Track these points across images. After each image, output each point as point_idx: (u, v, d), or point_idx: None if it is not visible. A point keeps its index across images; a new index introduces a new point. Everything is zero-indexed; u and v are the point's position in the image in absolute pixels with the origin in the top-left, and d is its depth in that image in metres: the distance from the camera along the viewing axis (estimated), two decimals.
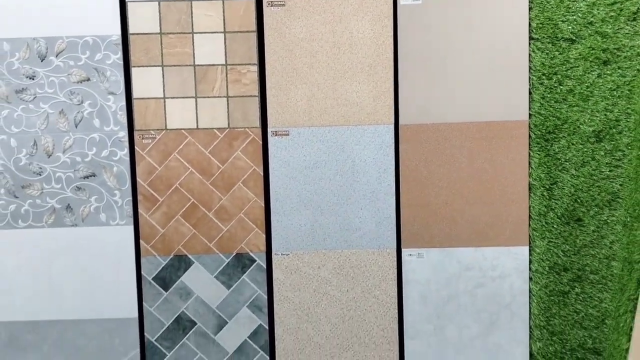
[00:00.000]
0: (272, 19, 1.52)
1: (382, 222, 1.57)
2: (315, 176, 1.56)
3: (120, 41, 1.52)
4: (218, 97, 1.54)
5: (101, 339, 1.59)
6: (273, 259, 1.58)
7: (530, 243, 1.55)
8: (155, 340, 1.60)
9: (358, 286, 1.58)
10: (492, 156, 1.54)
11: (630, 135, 1.50)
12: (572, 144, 1.51)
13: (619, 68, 1.48)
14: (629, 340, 1.53)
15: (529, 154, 1.53)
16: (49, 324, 1.60)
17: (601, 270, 1.54)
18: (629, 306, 1.55)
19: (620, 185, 1.51)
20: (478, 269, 1.56)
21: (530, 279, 1.56)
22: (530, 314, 1.57)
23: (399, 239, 1.57)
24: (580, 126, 1.50)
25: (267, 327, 1.60)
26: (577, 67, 1.49)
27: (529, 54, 1.50)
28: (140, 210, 1.57)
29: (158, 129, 1.55)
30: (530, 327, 1.58)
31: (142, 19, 1.52)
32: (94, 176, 1.56)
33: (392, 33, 1.52)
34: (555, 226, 1.53)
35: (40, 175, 1.56)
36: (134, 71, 1.53)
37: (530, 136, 1.52)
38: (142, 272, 1.58)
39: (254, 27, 1.52)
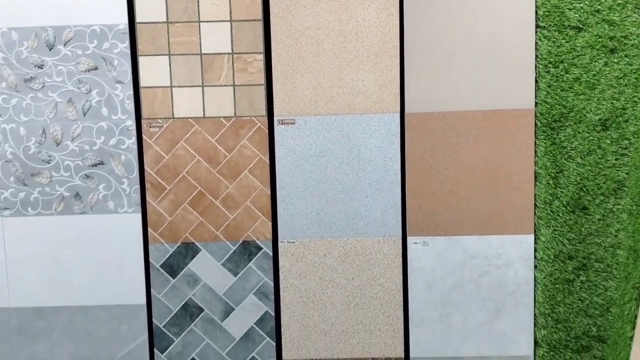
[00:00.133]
0: (278, 8, 1.52)
1: (388, 210, 1.57)
2: (321, 164, 1.57)
3: (127, 30, 1.53)
4: (224, 85, 1.55)
5: (110, 325, 1.61)
6: (279, 247, 1.59)
7: (535, 231, 1.56)
8: (163, 327, 1.62)
9: (363, 274, 1.59)
10: (498, 144, 1.54)
11: (637, 123, 1.49)
12: (578, 133, 1.51)
13: (626, 56, 1.48)
14: (633, 328, 1.54)
15: (535, 142, 1.53)
16: (59, 310, 1.62)
17: (606, 258, 1.54)
18: (633, 294, 1.56)
19: (626, 173, 1.51)
20: (483, 257, 1.57)
21: (535, 267, 1.57)
22: (535, 302, 1.58)
23: (405, 227, 1.58)
24: (587, 114, 1.50)
25: (273, 314, 1.61)
26: (584, 55, 1.48)
27: (536, 42, 1.50)
28: (147, 198, 1.58)
29: (165, 118, 1.56)
30: (535, 315, 1.58)
31: (149, 7, 1.52)
32: (102, 164, 1.57)
33: (398, 21, 1.52)
34: (560, 214, 1.54)
35: (49, 163, 1.57)
36: (141, 60, 1.54)
37: (536, 124, 1.52)
38: (150, 259, 1.60)
39: (260, 15, 1.53)
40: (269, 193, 1.58)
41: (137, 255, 1.60)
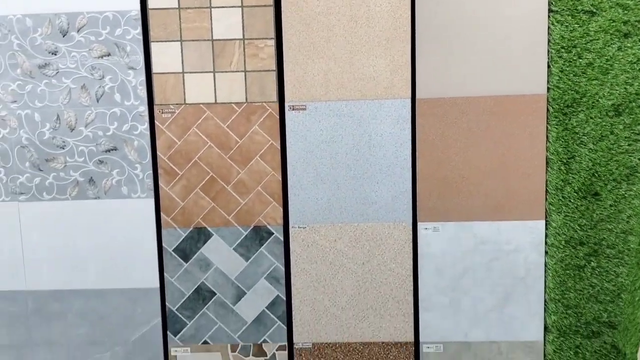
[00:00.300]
0: None
1: (398, 196, 1.58)
2: (332, 150, 1.57)
3: (139, 16, 1.54)
4: (236, 71, 1.55)
5: (124, 308, 1.64)
6: (290, 232, 1.61)
7: (546, 217, 1.56)
8: (176, 310, 1.64)
9: (374, 259, 1.60)
10: (509, 130, 1.53)
11: None
12: (591, 118, 1.50)
13: (639, 41, 1.47)
14: None
15: (547, 127, 1.52)
16: (73, 293, 1.65)
17: (618, 244, 1.54)
18: None
19: (639, 159, 1.50)
20: (493, 242, 1.57)
21: (546, 252, 1.57)
22: (545, 288, 1.58)
23: (415, 213, 1.58)
24: (599, 100, 1.49)
25: (284, 298, 1.63)
26: (597, 40, 1.47)
27: (548, 27, 1.49)
28: (160, 184, 1.60)
29: (177, 104, 1.57)
30: (545, 301, 1.59)
31: None
32: (116, 150, 1.59)
33: (409, 6, 1.51)
34: (572, 200, 1.53)
35: (64, 149, 1.59)
36: (153, 46, 1.55)
37: (548, 110, 1.52)
38: (163, 244, 1.62)
39: (271, 1, 1.53)
40: (280, 179, 1.59)
41: (150, 240, 1.62)
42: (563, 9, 1.47)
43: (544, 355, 1.60)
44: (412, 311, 1.61)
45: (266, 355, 1.65)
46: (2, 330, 1.67)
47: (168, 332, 1.65)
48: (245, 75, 1.56)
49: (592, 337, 1.58)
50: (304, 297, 1.63)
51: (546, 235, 1.56)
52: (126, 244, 1.62)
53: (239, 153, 1.58)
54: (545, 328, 1.60)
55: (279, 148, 1.58)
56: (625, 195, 1.52)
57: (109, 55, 1.55)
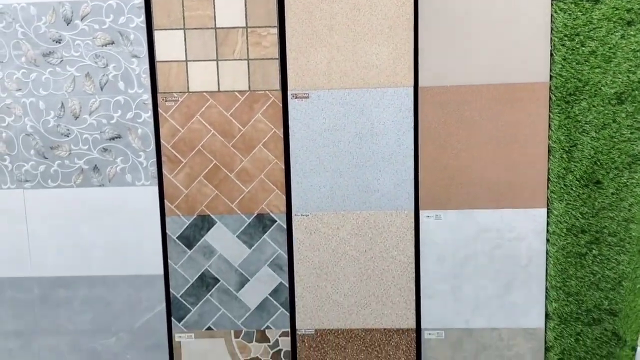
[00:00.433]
0: None
1: (401, 184, 1.59)
2: (335, 138, 1.58)
3: (142, 4, 1.54)
4: (239, 59, 1.56)
5: (129, 295, 1.66)
6: (293, 220, 1.62)
7: (548, 205, 1.56)
8: (180, 296, 1.66)
9: (376, 246, 1.61)
10: (512, 118, 1.54)
11: None
12: (593, 106, 1.50)
13: None
14: None
15: (549, 116, 1.53)
16: (79, 280, 1.66)
17: (619, 232, 1.54)
18: None
19: None
20: (495, 230, 1.58)
21: (548, 240, 1.58)
22: (546, 275, 1.59)
23: (417, 201, 1.59)
24: (602, 88, 1.49)
25: (287, 285, 1.64)
26: (600, 28, 1.47)
27: (551, 15, 1.49)
28: (164, 171, 1.61)
29: (180, 92, 1.58)
30: (546, 288, 1.60)
31: None
32: (120, 138, 1.60)
33: None
34: (574, 188, 1.54)
35: (68, 136, 1.60)
36: (157, 34, 1.56)
37: (550, 98, 1.52)
38: (167, 231, 1.63)
39: None
40: (283, 167, 1.60)
41: (154, 227, 1.63)
42: None
43: (545, 342, 1.61)
44: (414, 298, 1.63)
45: (269, 341, 1.66)
46: (8, 316, 1.69)
47: (172, 319, 1.67)
48: (248, 64, 1.56)
49: (592, 324, 1.59)
50: (306, 284, 1.64)
51: (548, 223, 1.57)
52: (130, 231, 1.63)
53: (242, 141, 1.59)
54: (546, 315, 1.61)
55: (282, 136, 1.59)
56: (627, 183, 1.52)
57: (112, 43, 1.56)
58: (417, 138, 1.57)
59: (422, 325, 1.63)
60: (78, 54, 1.57)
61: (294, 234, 1.62)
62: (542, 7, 1.49)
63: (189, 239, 1.63)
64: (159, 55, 1.57)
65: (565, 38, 1.48)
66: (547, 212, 1.56)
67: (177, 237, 1.64)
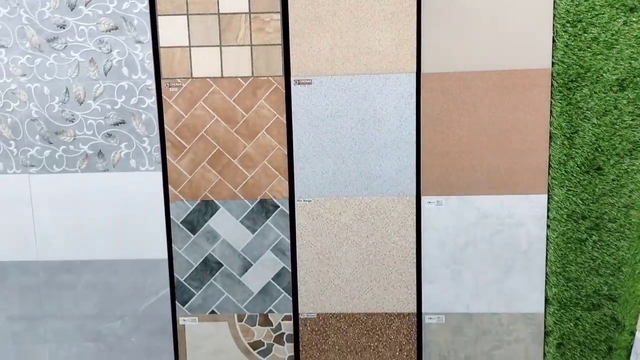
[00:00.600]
0: None
1: (403, 170, 1.60)
2: (337, 124, 1.59)
3: None
4: (242, 45, 1.56)
5: (133, 279, 1.68)
6: (296, 205, 1.63)
7: (549, 191, 1.57)
8: (184, 281, 1.68)
9: (378, 232, 1.63)
10: (514, 104, 1.54)
11: None
12: (595, 93, 1.51)
13: None
14: None
15: (551, 102, 1.53)
16: (84, 264, 1.68)
17: (619, 218, 1.56)
18: None
19: None
20: (496, 216, 1.59)
21: (548, 226, 1.59)
22: (546, 261, 1.60)
23: (419, 187, 1.60)
24: (604, 74, 1.50)
25: (290, 270, 1.66)
26: (603, 14, 1.47)
27: (554, 1, 1.49)
28: (168, 157, 1.63)
29: (184, 78, 1.59)
30: (546, 273, 1.61)
31: None
32: (124, 123, 1.61)
33: None
34: (574, 175, 1.55)
35: (73, 122, 1.62)
36: (160, 20, 1.56)
37: (552, 84, 1.52)
38: (171, 216, 1.65)
39: None
40: (286, 152, 1.61)
41: (158, 212, 1.65)
42: None
43: (545, 327, 1.63)
44: (415, 283, 1.64)
45: (272, 325, 1.68)
46: (14, 300, 1.71)
47: (176, 302, 1.69)
48: (251, 50, 1.57)
49: (592, 309, 1.61)
50: (309, 269, 1.66)
51: (548, 209, 1.58)
52: (135, 216, 1.65)
53: (245, 127, 1.60)
54: (546, 300, 1.62)
55: (285, 122, 1.60)
56: (628, 169, 1.53)
57: (116, 29, 1.57)
58: (419, 124, 1.58)
59: (423, 310, 1.65)
60: (82, 40, 1.58)
61: (297, 219, 1.64)
62: None
63: (193, 223, 1.65)
64: (162, 41, 1.57)
65: (568, 24, 1.48)
66: (548, 198, 1.58)
67: (181, 222, 1.65)
